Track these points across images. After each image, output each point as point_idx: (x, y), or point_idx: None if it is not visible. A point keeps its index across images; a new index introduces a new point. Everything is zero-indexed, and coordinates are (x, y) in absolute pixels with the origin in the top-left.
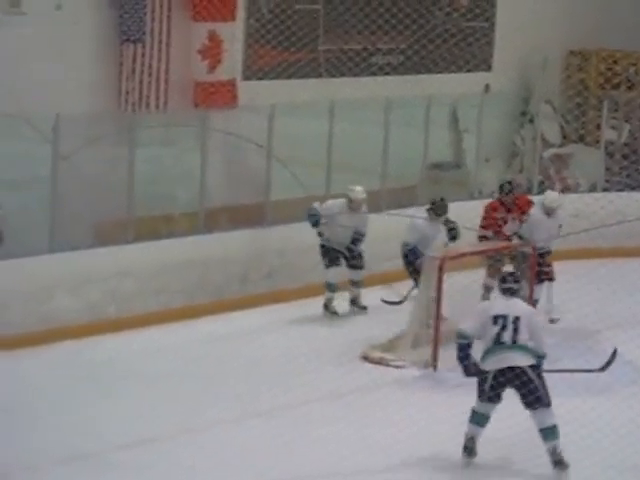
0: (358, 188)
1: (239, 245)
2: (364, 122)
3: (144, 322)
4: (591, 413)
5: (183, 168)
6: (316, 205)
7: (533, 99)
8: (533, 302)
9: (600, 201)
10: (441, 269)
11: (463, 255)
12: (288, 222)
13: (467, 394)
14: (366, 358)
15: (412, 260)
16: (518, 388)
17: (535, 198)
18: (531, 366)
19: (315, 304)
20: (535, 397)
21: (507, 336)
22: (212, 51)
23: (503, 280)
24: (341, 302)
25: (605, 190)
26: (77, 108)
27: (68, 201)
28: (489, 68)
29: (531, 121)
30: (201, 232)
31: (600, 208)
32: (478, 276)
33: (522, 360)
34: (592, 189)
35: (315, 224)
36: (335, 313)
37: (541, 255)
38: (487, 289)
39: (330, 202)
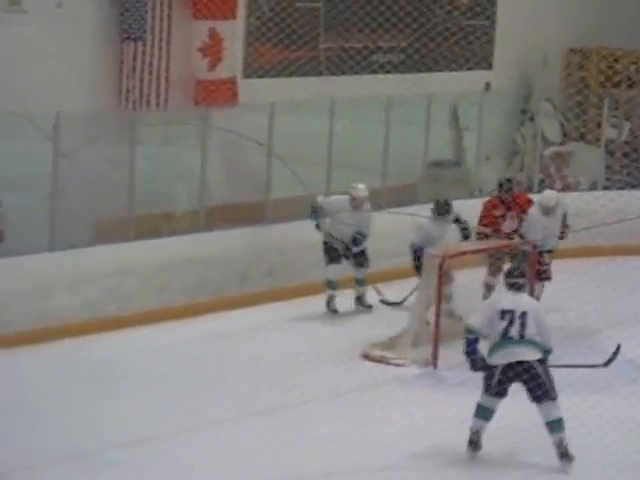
0: (360, 186)
1: (239, 243)
2: (365, 120)
3: (144, 320)
4: (591, 411)
5: (183, 166)
6: (320, 199)
7: (534, 97)
8: None
9: (601, 199)
10: (441, 267)
11: (463, 253)
12: (288, 220)
13: (467, 392)
14: (366, 356)
15: (418, 260)
16: (526, 382)
17: (535, 196)
18: (538, 360)
19: (315, 302)
20: (542, 391)
21: (514, 331)
22: (213, 49)
23: (509, 275)
24: (343, 300)
25: (606, 188)
26: (78, 106)
27: (69, 199)
28: (490, 66)
29: (532, 119)
30: (201, 230)
31: (601, 206)
32: (479, 274)
33: (530, 354)
34: (593, 187)
35: (316, 217)
36: (335, 311)
37: (540, 254)
38: (488, 288)
39: (334, 197)
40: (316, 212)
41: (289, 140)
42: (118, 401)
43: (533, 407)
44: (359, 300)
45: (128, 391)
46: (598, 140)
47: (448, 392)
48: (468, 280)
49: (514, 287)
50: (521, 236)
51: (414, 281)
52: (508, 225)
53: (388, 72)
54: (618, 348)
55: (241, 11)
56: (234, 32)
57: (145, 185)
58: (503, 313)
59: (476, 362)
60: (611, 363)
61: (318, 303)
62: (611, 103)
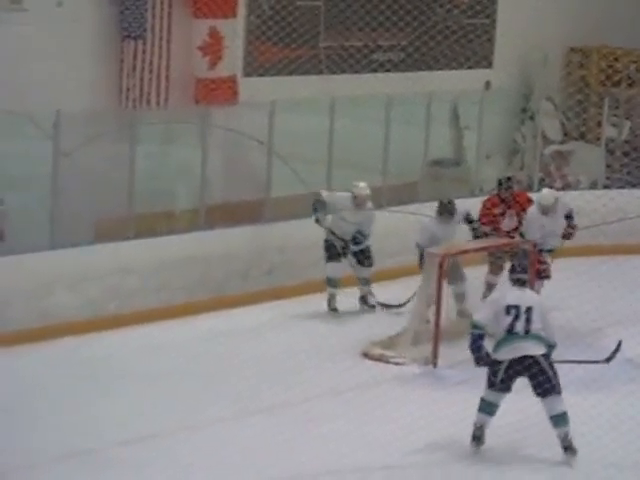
0: (362, 184)
1: (240, 242)
2: (365, 119)
3: (144, 319)
4: (591, 410)
5: (184, 165)
6: (324, 193)
7: (534, 96)
8: None
9: (601, 198)
10: (441, 266)
11: (464, 252)
12: (289, 219)
13: (467, 391)
14: (366, 355)
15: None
16: (531, 377)
17: (535, 195)
18: (543, 355)
19: (315, 301)
20: (547, 385)
21: (520, 326)
22: (213, 48)
23: (513, 271)
24: (344, 299)
25: (606, 187)
26: (78, 105)
27: (69, 198)
28: (490, 65)
29: (532, 118)
30: (202, 229)
31: (601, 205)
32: (480, 273)
33: (535, 349)
34: (593, 186)
35: (318, 210)
36: (335, 310)
37: (539, 252)
38: (489, 286)
39: (337, 194)
40: (319, 205)
41: (289, 139)
42: (118, 399)
43: (533, 404)
44: (363, 299)
45: (128, 389)
46: (598, 139)
47: (448, 391)
48: (469, 279)
49: (518, 283)
50: (521, 235)
51: (416, 279)
52: (507, 223)
53: (388, 71)
54: (619, 345)
55: (241, 9)
56: (234, 30)
57: (145, 183)
58: (509, 308)
59: (481, 357)
60: (613, 359)
61: (318, 301)
62: (611, 102)
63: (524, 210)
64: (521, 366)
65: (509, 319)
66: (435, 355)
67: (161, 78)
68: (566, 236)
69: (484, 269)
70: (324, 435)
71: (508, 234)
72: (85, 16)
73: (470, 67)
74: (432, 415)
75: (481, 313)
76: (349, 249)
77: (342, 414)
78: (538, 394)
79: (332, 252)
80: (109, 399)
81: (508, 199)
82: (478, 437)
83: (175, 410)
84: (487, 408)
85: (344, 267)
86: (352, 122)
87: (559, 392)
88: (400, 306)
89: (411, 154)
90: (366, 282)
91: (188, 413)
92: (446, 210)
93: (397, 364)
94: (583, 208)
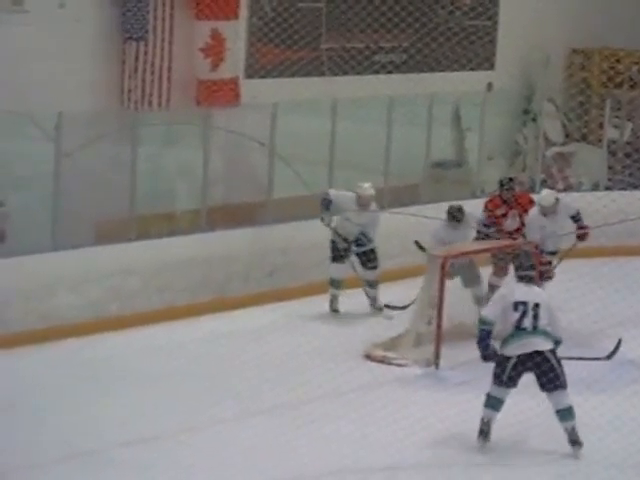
0: (366, 185)
1: (241, 243)
2: (367, 120)
3: (146, 320)
4: (593, 412)
5: (185, 166)
6: (331, 192)
7: (536, 97)
8: None
9: (602, 200)
10: (443, 268)
11: (465, 254)
12: (290, 220)
13: (469, 392)
14: (368, 356)
15: None
16: (539, 372)
17: (536, 197)
18: (551, 350)
19: (317, 302)
20: (554, 380)
21: (528, 322)
22: (215, 49)
23: (520, 268)
24: (346, 300)
25: (607, 189)
26: (80, 106)
27: (70, 199)
28: (492, 66)
29: (534, 119)
30: (203, 230)
31: (602, 207)
32: (483, 274)
33: (544, 345)
34: (594, 188)
35: (325, 209)
36: (336, 311)
37: (541, 253)
38: (492, 288)
39: (343, 193)
40: (327, 203)
41: (291, 140)
42: (120, 400)
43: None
44: (373, 302)
45: (130, 390)
46: (600, 140)
47: (450, 392)
48: None
49: (525, 279)
50: (524, 236)
51: (417, 281)
52: (510, 224)
53: (390, 72)
54: (619, 342)
55: (243, 11)
56: (236, 32)
57: (147, 185)
58: (516, 305)
59: (488, 353)
60: (613, 356)
61: (320, 303)
62: (613, 103)
63: (526, 211)
64: (530, 362)
65: (517, 315)
66: (437, 356)
67: (163, 79)
68: (581, 237)
69: (488, 270)
70: (326, 436)
71: (510, 235)
72: (87, 17)
73: (472, 69)
74: (434, 416)
75: (489, 309)
76: (352, 250)
77: (344, 415)
78: (545, 389)
79: (336, 253)
80: (110, 400)
81: (509, 200)
82: (485, 432)
83: (177, 411)
84: (493, 403)
85: (347, 268)
86: (354, 124)
87: (565, 387)
88: (404, 308)
89: (413, 155)
90: (372, 285)
91: (190, 414)
92: (454, 215)
93: (399, 365)
94: (585, 209)
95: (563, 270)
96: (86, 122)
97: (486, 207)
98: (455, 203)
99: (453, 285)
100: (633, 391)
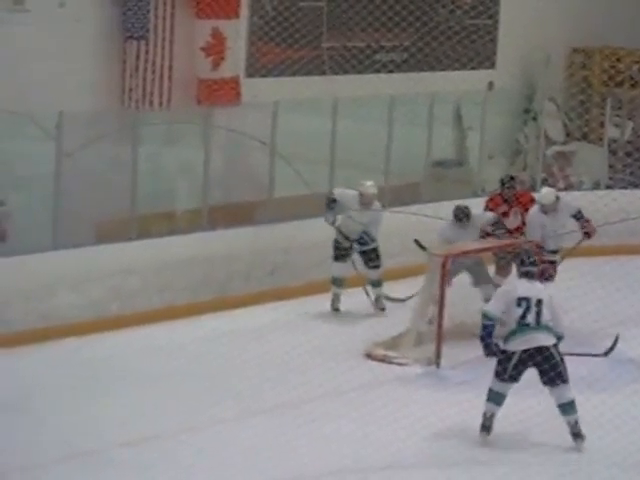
0: (369, 183)
1: (242, 242)
2: (367, 119)
3: (147, 319)
4: (594, 410)
5: (186, 165)
6: (336, 191)
7: (536, 97)
8: None
9: (603, 199)
10: (444, 267)
11: (466, 253)
12: (291, 219)
13: (470, 391)
14: (369, 355)
15: None
16: (542, 367)
17: (537, 195)
18: (554, 345)
19: (318, 301)
20: (556, 375)
21: (531, 318)
22: (215, 48)
23: (523, 264)
24: (347, 299)
25: (608, 188)
26: (80, 105)
27: (71, 198)
28: (492, 65)
29: (534, 119)
30: (204, 229)
31: (603, 206)
32: None
33: (547, 340)
34: (595, 187)
35: (332, 208)
36: (337, 310)
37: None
38: (495, 287)
39: (347, 191)
40: (332, 203)
41: (292, 139)
42: (120, 400)
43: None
44: (377, 301)
45: (130, 390)
46: (601, 139)
47: (451, 391)
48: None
49: (528, 275)
50: (524, 234)
51: (418, 280)
52: (512, 221)
53: (391, 71)
54: (616, 339)
55: (244, 10)
56: (237, 31)
57: (148, 184)
58: (520, 300)
59: (491, 348)
60: (611, 353)
61: (321, 302)
62: (614, 102)
63: (527, 210)
64: (534, 357)
65: (520, 311)
66: (438, 356)
67: (164, 79)
68: (587, 234)
69: (491, 269)
70: (326, 435)
71: (512, 234)
72: (87, 16)
73: (473, 68)
74: (434, 415)
75: (493, 304)
76: (354, 249)
77: (345, 414)
78: (547, 384)
79: (338, 252)
80: (111, 400)
81: (510, 199)
82: (487, 427)
83: (177, 411)
84: (495, 398)
85: (350, 267)
86: (355, 123)
87: (567, 381)
88: (404, 300)
89: (414, 155)
90: (375, 284)
91: (190, 414)
92: (459, 216)
93: (400, 365)
94: (586, 208)
95: (564, 269)
96: (87, 122)
97: (487, 206)
98: (461, 203)
99: (455, 284)
100: (634, 390)
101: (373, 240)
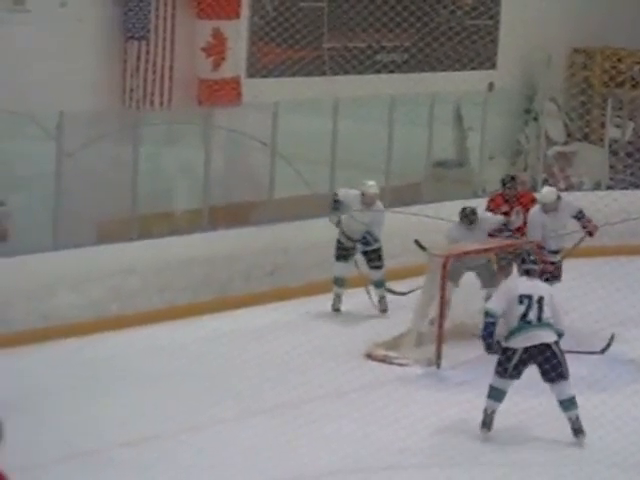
0: (371, 182)
1: (243, 243)
2: (368, 120)
3: (147, 320)
4: (594, 411)
5: (187, 166)
6: (340, 191)
7: (537, 97)
8: None
9: (604, 199)
10: (444, 267)
11: (467, 253)
12: (292, 220)
13: (470, 392)
14: (370, 356)
15: None
16: (543, 364)
17: (538, 195)
18: (555, 342)
19: (319, 302)
20: (557, 371)
21: (533, 315)
22: (216, 49)
23: (524, 261)
24: (348, 299)
25: (609, 188)
26: (81, 105)
27: (72, 198)
28: (493, 66)
29: (535, 119)
30: (205, 229)
31: (604, 206)
32: None
33: (549, 337)
34: (596, 187)
35: (337, 209)
36: (337, 310)
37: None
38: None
39: (349, 191)
40: (337, 204)
41: (293, 140)
42: (120, 400)
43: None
44: (380, 302)
45: (131, 390)
46: (602, 140)
47: (451, 392)
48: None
49: (529, 273)
50: (524, 234)
51: (418, 281)
52: (514, 221)
53: (392, 72)
54: (612, 337)
55: (245, 11)
56: (238, 32)
57: (148, 184)
58: (521, 298)
59: (492, 345)
60: (607, 350)
61: (322, 302)
62: (615, 103)
63: (528, 210)
64: (536, 354)
65: (522, 308)
66: (438, 356)
67: (164, 79)
68: (590, 234)
69: None
70: (327, 436)
71: (515, 232)
72: (88, 16)
73: (473, 68)
74: (435, 416)
75: (495, 302)
76: (357, 249)
77: (345, 415)
78: (548, 380)
79: (341, 252)
80: (111, 400)
81: (512, 199)
82: (488, 423)
83: (177, 411)
84: (496, 395)
85: (352, 267)
86: (355, 123)
87: (568, 377)
88: (405, 294)
89: (414, 155)
90: (377, 284)
91: (190, 414)
92: (465, 217)
93: (400, 365)
94: (586, 209)
95: (565, 269)
96: (87, 122)
97: (488, 206)
98: (468, 205)
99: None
100: (634, 390)
101: (376, 240)
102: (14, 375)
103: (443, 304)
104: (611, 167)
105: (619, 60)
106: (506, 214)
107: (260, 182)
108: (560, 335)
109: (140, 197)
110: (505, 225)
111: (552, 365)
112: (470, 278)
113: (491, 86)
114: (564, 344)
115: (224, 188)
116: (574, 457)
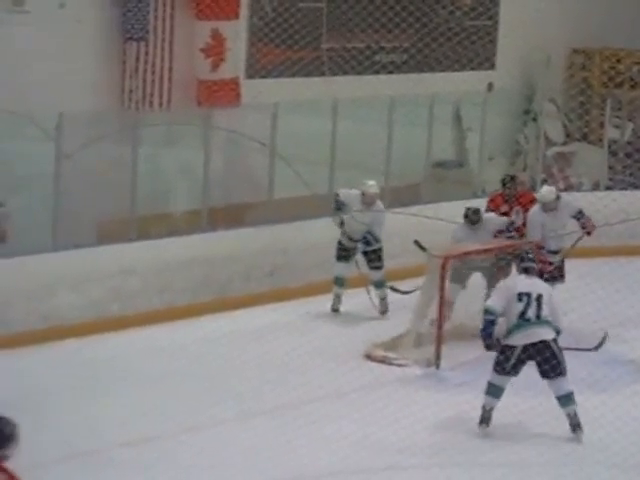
0: (371, 182)
1: (242, 243)
2: (367, 120)
3: (147, 320)
4: (594, 411)
5: (186, 166)
6: (342, 192)
7: (536, 97)
8: None
9: (603, 200)
10: (444, 268)
11: (467, 254)
12: (291, 220)
13: (469, 392)
14: (369, 356)
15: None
16: (542, 361)
17: (538, 194)
18: (553, 339)
19: (318, 302)
20: (556, 368)
21: (531, 312)
22: (215, 49)
23: (523, 260)
24: (347, 300)
25: (608, 189)
26: (80, 106)
27: (71, 199)
28: (492, 66)
29: (534, 119)
30: (204, 230)
31: (603, 207)
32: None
33: (548, 334)
34: (595, 188)
35: (340, 210)
36: (336, 310)
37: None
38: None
39: (349, 191)
40: (339, 205)
41: (292, 140)
42: (121, 400)
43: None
44: (380, 303)
45: (131, 391)
46: (601, 140)
47: (450, 392)
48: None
49: (527, 271)
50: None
51: (418, 281)
52: (514, 220)
53: (391, 72)
54: (605, 335)
55: (244, 11)
56: (237, 32)
57: (148, 185)
58: (520, 296)
59: (491, 342)
60: (600, 347)
61: (321, 303)
62: (614, 103)
63: (528, 210)
64: (535, 351)
65: (521, 306)
66: (438, 357)
67: (163, 80)
68: (589, 233)
69: None
70: (327, 436)
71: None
72: (87, 17)
73: (473, 69)
74: (434, 416)
75: (494, 299)
76: (358, 249)
77: (345, 415)
78: (546, 377)
79: (341, 252)
80: (111, 400)
81: (511, 199)
82: (487, 419)
83: (177, 411)
84: (494, 391)
85: (352, 267)
86: (354, 124)
87: (565, 374)
88: (409, 293)
89: (414, 156)
90: (378, 285)
91: (190, 414)
92: (469, 217)
93: (400, 366)
94: (586, 209)
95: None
96: (87, 122)
97: (488, 206)
98: (472, 205)
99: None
100: (634, 391)
101: (377, 240)
102: (14, 375)
103: (442, 304)
104: (610, 168)
105: (618, 61)
106: (506, 214)
107: (259, 183)
108: (558, 332)
109: (139, 198)
110: (509, 226)
111: (551, 362)
112: (473, 279)
113: (490, 87)
114: (561, 341)
115: (223, 189)
116: (574, 457)
